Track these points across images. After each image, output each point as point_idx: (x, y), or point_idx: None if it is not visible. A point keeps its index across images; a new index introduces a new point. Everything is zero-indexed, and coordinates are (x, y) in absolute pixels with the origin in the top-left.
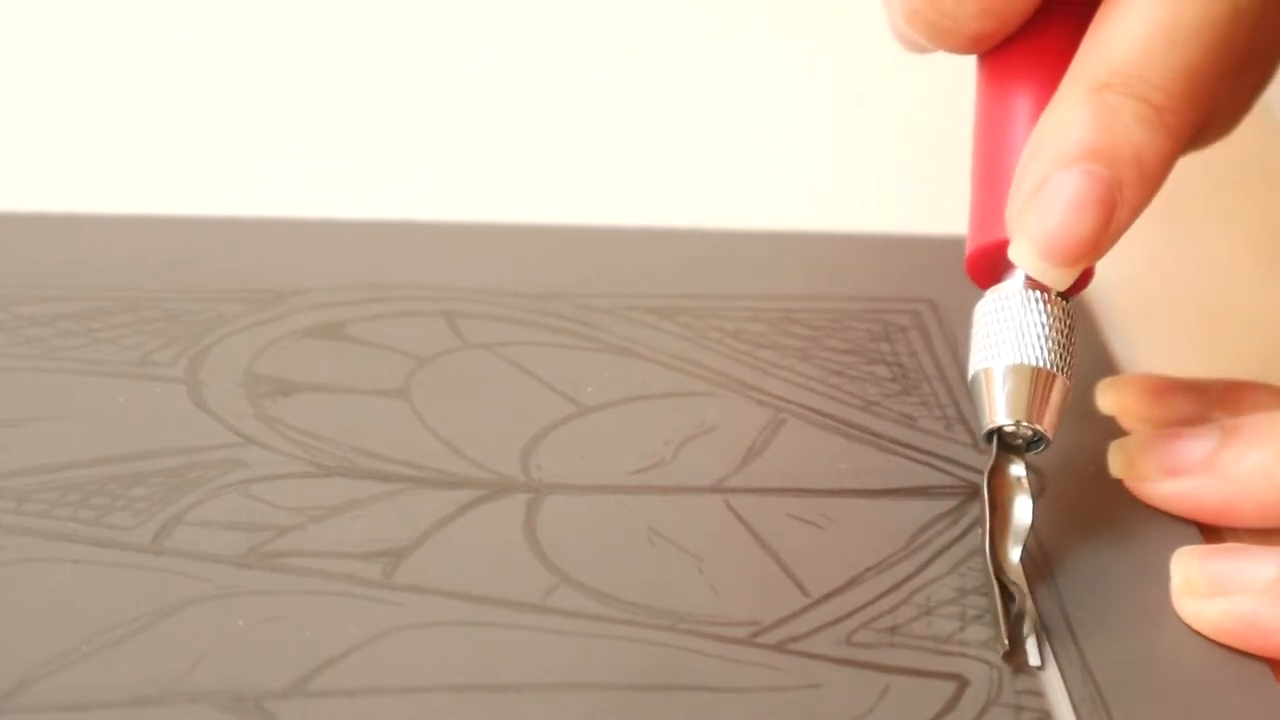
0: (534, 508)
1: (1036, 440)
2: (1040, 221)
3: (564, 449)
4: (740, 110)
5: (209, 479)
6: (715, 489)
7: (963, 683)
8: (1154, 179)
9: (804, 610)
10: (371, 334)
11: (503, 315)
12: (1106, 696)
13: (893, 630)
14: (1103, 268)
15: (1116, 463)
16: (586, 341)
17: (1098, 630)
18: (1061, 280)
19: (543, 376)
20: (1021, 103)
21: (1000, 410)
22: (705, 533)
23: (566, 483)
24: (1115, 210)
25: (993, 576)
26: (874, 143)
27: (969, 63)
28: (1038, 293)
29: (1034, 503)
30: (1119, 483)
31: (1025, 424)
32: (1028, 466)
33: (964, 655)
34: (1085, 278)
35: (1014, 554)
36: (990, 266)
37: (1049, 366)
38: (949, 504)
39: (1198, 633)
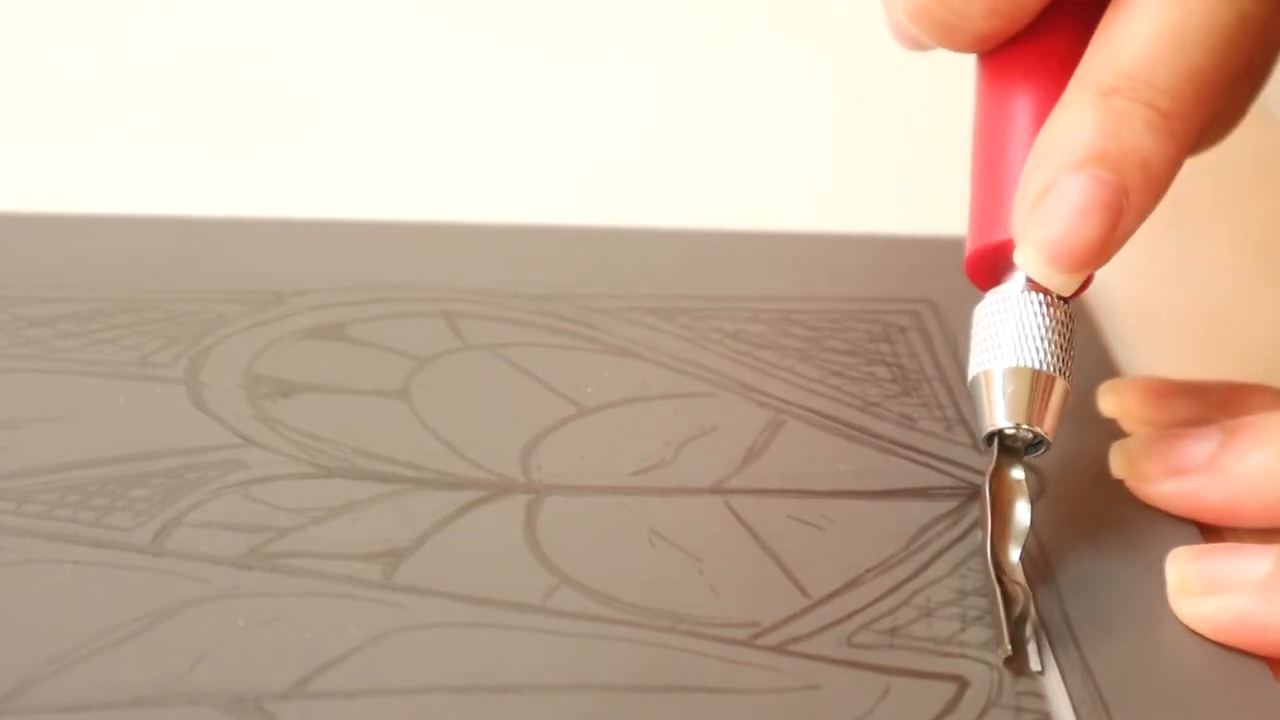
0: (534, 509)
1: (1037, 443)
2: (1046, 227)
3: (564, 450)
4: (740, 110)
5: (209, 480)
6: (715, 490)
7: (963, 684)
8: (1160, 185)
9: (804, 611)
10: (371, 335)
11: (503, 316)
12: (1107, 698)
13: (893, 631)
14: (1102, 270)
15: (1118, 463)
16: (586, 342)
17: (1098, 632)
18: (1067, 286)
19: (543, 377)
20: (1023, 103)
21: (1000, 413)
22: (705, 534)
23: (567, 484)
24: (1121, 216)
25: (994, 580)
26: (874, 143)
27: (969, 62)
28: (1038, 295)
29: (1033, 505)
30: (1120, 485)
31: (1025, 427)
32: (1027, 469)
33: (964, 657)
34: (1085, 280)
35: (1014, 556)
36: (990, 268)
37: (1049, 369)
38: (949, 505)
39: (1196, 633)
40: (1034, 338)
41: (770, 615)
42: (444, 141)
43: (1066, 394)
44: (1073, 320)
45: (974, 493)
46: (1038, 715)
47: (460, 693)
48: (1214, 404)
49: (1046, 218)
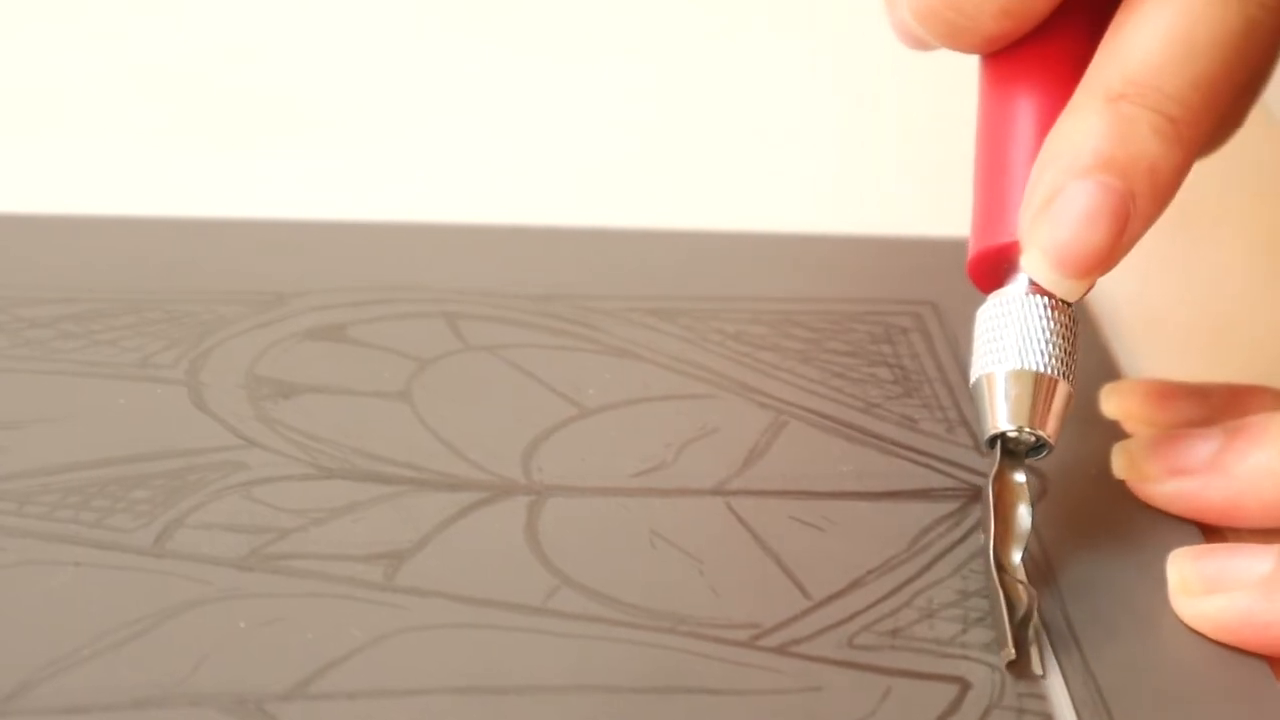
0: (535, 510)
1: (1039, 446)
2: (1053, 232)
3: (565, 451)
4: (740, 110)
5: (210, 481)
6: (716, 491)
7: (965, 685)
8: (1167, 191)
9: (805, 613)
10: (372, 336)
11: (504, 317)
12: (1108, 700)
13: (894, 633)
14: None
15: (1120, 463)
16: (587, 343)
17: (1099, 633)
18: (1073, 291)
19: (544, 378)
20: (1029, 106)
21: (1002, 416)
22: (706, 535)
23: (568, 485)
24: (1128, 223)
25: (996, 583)
26: (874, 143)
27: (970, 62)
28: (1041, 298)
29: (1034, 507)
30: (1121, 486)
31: (1028, 430)
32: (1029, 471)
33: (966, 658)
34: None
35: (1015, 559)
36: (992, 270)
37: (1051, 372)
38: (950, 506)
39: (1197, 633)
40: (1037, 341)
41: (771, 616)
42: (444, 142)
43: (1069, 398)
44: (1076, 323)
45: (975, 494)
46: (1039, 717)
47: (461, 694)
48: (1216, 405)
49: (1054, 223)
